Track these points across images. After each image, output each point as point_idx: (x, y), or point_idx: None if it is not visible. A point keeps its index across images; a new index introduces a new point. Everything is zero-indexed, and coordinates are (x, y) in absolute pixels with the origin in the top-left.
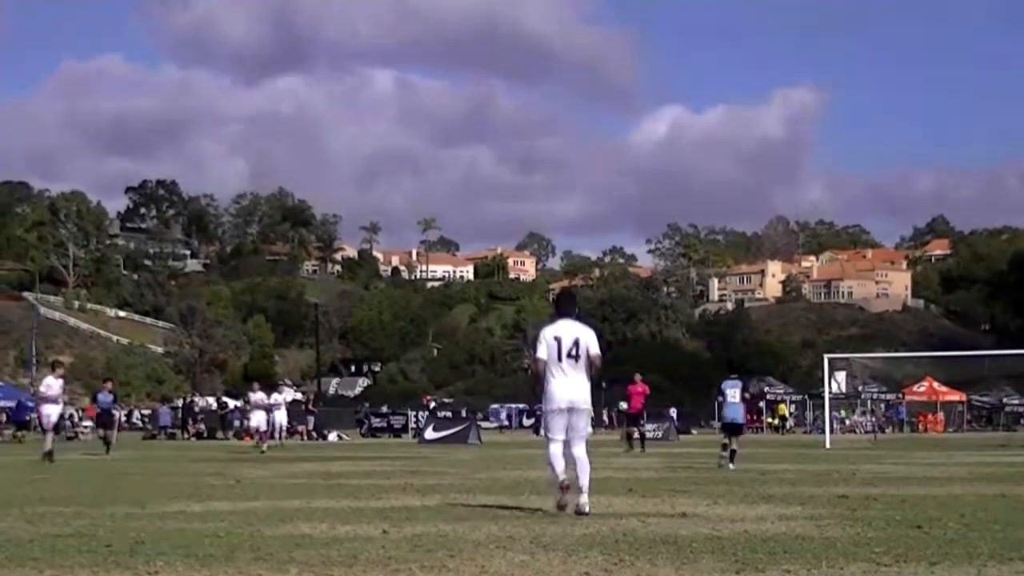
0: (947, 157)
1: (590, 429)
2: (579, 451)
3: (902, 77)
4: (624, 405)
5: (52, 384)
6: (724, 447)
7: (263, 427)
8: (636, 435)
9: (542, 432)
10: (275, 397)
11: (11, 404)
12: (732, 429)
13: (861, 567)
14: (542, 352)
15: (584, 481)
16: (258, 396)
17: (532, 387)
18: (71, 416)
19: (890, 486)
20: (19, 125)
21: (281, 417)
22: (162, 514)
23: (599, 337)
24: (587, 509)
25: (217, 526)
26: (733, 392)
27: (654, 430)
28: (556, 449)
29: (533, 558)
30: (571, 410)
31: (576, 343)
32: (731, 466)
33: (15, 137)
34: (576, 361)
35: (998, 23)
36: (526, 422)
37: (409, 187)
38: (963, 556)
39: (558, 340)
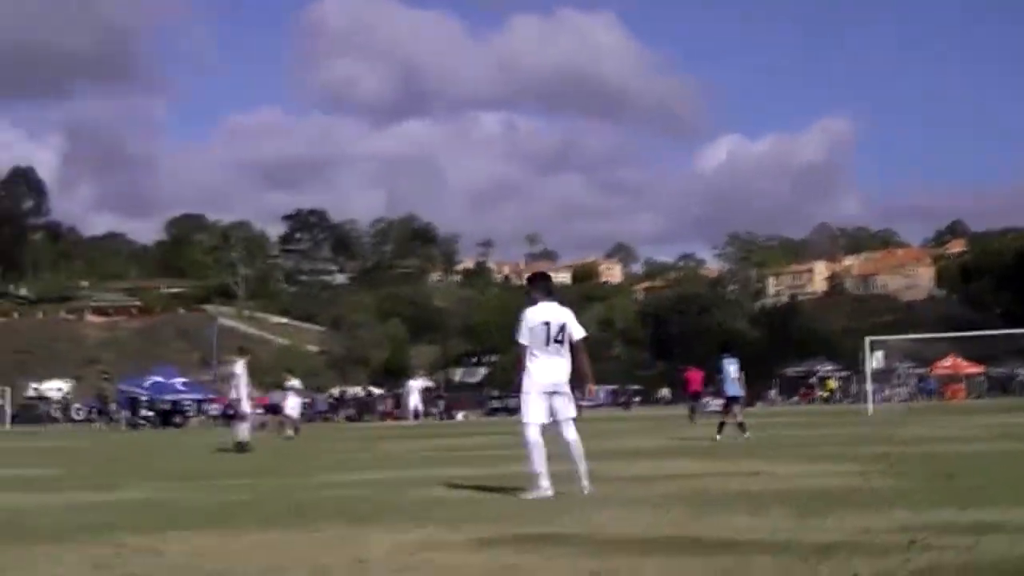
0: (962, 171)
1: (575, 411)
2: (571, 434)
3: (923, 104)
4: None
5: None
6: (721, 425)
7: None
8: (696, 410)
9: (522, 418)
10: (411, 384)
11: (198, 396)
12: (734, 401)
13: (904, 512)
14: (524, 337)
15: (582, 468)
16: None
17: (517, 371)
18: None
19: (923, 445)
20: (195, 167)
21: (415, 401)
22: (320, 483)
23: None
24: (586, 492)
25: (367, 492)
26: (730, 368)
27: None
28: (535, 435)
29: (627, 512)
30: (555, 393)
31: (562, 328)
32: (746, 435)
33: (193, 178)
34: (561, 345)
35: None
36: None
37: (515, 209)
38: (988, 501)
39: (547, 324)
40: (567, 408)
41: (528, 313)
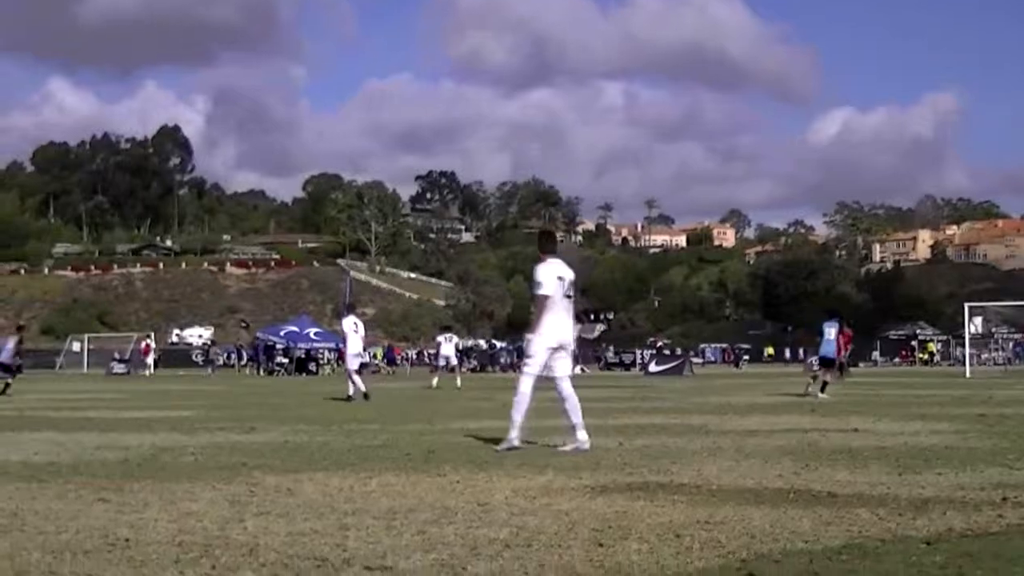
0: None
1: (572, 369)
2: (567, 388)
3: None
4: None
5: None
6: (814, 378)
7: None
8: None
9: (524, 367)
10: None
11: (331, 344)
12: (826, 363)
13: (997, 470)
14: (549, 289)
15: (577, 419)
16: None
17: (534, 325)
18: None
19: (1019, 406)
20: (334, 131)
21: None
22: (447, 430)
23: None
24: (587, 446)
25: (490, 439)
26: (830, 331)
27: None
28: (528, 387)
29: (737, 463)
30: (559, 348)
31: (572, 284)
32: (821, 395)
33: (331, 141)
34: (569, 300)
35: None
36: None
37: (634, 175)
38: None
39: (561, 280)
40: (566, 365)
41: (543, 268)
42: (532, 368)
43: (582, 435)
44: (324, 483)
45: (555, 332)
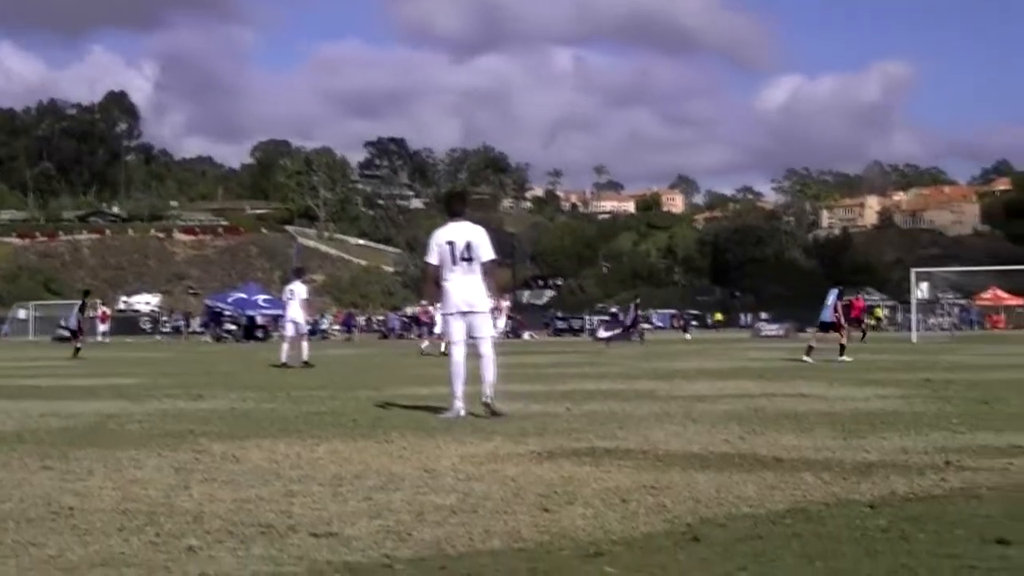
0: (1010, 112)
1: (494, 331)
2: (485, 349)
3: (976, 45)
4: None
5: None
6: (809, 348)
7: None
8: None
9: (444, 336)
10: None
11: (279, 311)
12: (823, 327)
13: (942, 434)
14: (432, 257)
15: (489, 376)
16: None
17: (421, 292)
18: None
19: (964, 372)
20: (283, 96)
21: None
22: (395, 396)
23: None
24: (491, 402)
25: (437, 405)
26: (830, 299)
27: (777, 330)
28: (459, 355)
29: (685, 429)
30: (469, 313)
31: (468, 246)
32: (840, 357)
33: (280, 106)
34: (470, 264)
35: None
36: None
37: (585, 141)
38: (1023, 425)
39: (451, 244)
40: (479, 327)
41: (435, 233)
42: (452, 337)
43: (488, 391)
44: (271, 450)
45: (457, 296)
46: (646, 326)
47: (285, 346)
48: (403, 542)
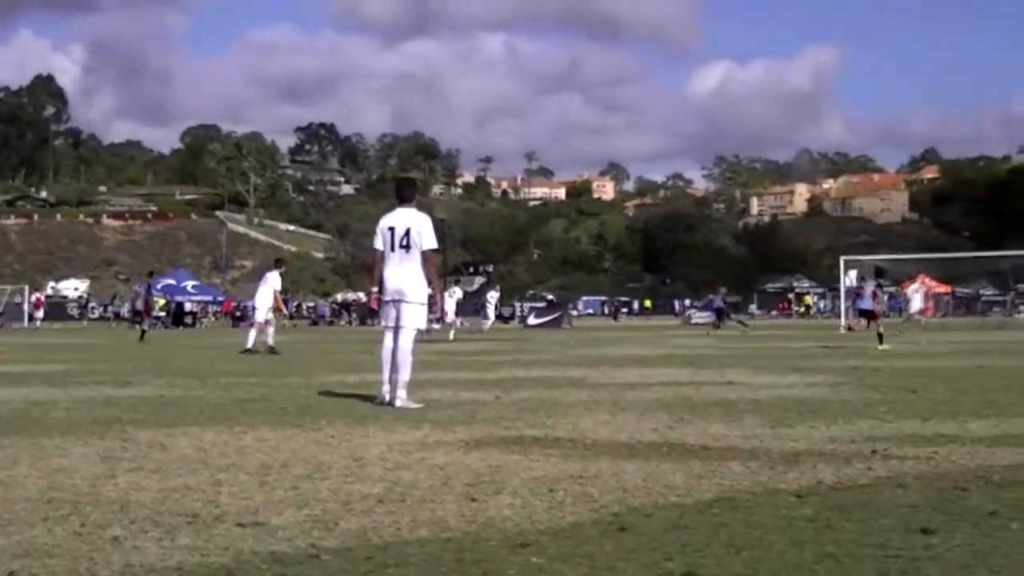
0: (939, 100)
1: (423, 324)
2: (403, 341)
3: (906, 33)
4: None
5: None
6: (880, 336)
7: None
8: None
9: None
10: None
11: (208, 298)
12: (866, 315)
13: (869, 423)
14: (377, 243)
15: (401, 376)
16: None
17: (371, 277)
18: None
19: (892, 360)
20: (213, 81)
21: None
22: (324, 384)
23: (436, 230)
24: (397, 404)
25: (367, 392)
26: (868, 288)
27: (706, 318)
28: (387, 343)
29: (613, 417)
30: (399, 301)
31: (407, 233)
32: (881, 346)
33: (210, 90)
34: (408, 251)
35: None
36: (606, 311)
37: (515, 127)
38: (949, 414)
39: (392, 230)
40: (405, 316)
41: (381, 220)
42: (383, 322)
43: (401, 393)
44: (198, 438)
45: (390, 282)
46: (575, 313)
47: (252, 332)
48: (330, 532)
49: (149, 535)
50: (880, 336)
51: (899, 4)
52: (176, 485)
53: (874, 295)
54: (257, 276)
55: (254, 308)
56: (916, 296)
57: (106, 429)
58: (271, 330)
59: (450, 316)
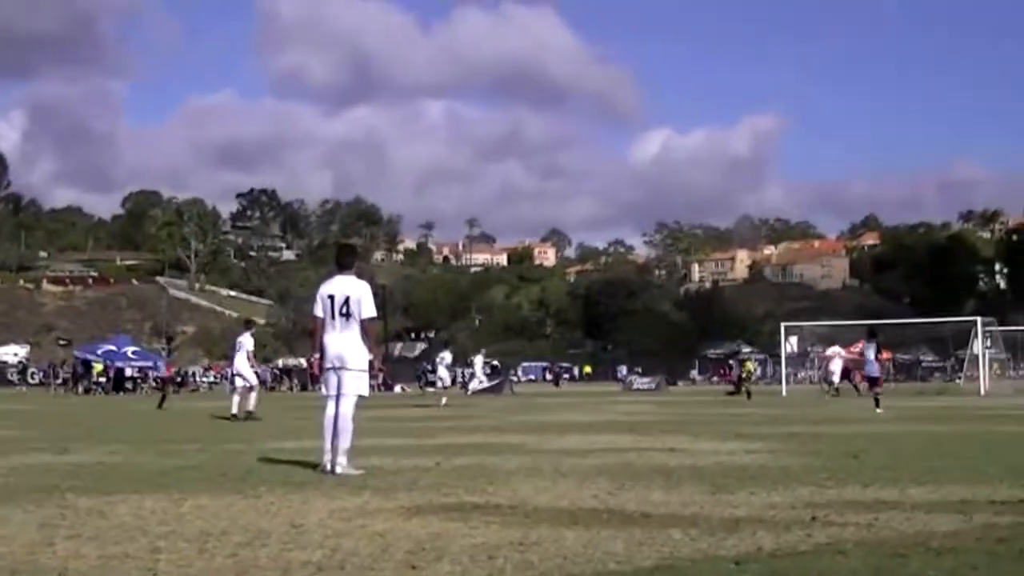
0: (879, 166)
1: (364, 391)
2: (344, 408)
3: (844, 101)
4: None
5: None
6: (876, 401)
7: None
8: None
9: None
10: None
11: (149, 363)
12: (871, 380)
13: (809, 489)
14: (318, 310)
15: (342, 443)
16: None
17: (312, 346)
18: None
19: (832, 425)
20: (154, 146)
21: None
22: (264, 450)
23: (380, 303)
24: (338, 470)
25: (307, 459)
26: (869, 352)
27: (648, 383)
28: (329, 411)
29: (554, 483)
30: (341, 369)
31: (347, 301)
32: (878, 410)
33: (150, 156)
34: (347, 319)
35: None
36: (548, 377)
37: (456, 193)
38: (890, 480)
39: (331, 298)
40: (346, 383)
41: (321, 287)
42: (325, 390)
43: (341, 460)
44: (137, 505)
45: (330, 350)
46: (516, 379)
47: (236, 398)
48: None
49: None
50: (877, 400)
51: (837, 73)
52: (115, 553)
53: (876, 358)
54: (197, 341)
55: (236, 374)
56: (836, 363)
57: (45, 497)
58: (254, 396)
59: (446, 381)
